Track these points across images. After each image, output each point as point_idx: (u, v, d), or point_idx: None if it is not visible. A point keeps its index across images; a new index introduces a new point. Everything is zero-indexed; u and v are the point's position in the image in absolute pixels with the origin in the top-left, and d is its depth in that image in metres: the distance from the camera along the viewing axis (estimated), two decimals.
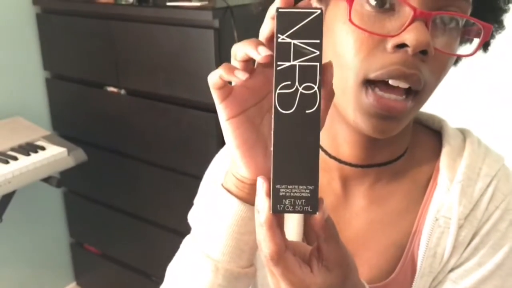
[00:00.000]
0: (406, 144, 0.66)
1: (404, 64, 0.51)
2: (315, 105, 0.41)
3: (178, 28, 1.62)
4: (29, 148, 1.72)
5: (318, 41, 0.41)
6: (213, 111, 1.61)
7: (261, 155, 0.48)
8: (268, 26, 0.44)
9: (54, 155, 1.72)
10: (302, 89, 0.41)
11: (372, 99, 0.53)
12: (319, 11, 0.41)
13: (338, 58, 0.54)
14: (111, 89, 1.90)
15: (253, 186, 0.49)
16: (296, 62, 0.41)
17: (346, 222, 0.66)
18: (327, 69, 0.42)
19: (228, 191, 0.52)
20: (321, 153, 0.66)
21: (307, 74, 0.41)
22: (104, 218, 2.18)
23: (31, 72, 2.09)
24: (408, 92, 0.54)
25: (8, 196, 1.75)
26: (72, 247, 2.43)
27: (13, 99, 2.04)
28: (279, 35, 0.41)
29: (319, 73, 0.41)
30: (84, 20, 1.88)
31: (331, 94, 0.43)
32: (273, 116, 0.41)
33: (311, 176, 0.41)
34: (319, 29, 0.41)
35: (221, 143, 1.65)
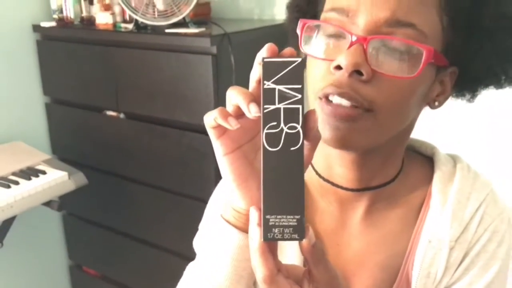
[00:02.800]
0: (397, 169, 0.69)
1: (338, 83, 0.57)
2: (298, 142, 0.46)
3: (176, 54, 1.67)
4: (30, 172, 1.75)
5: (299, 86, 0.46)
6: None
7: (255, 188, 0.52)
8: (256, 71, 0.49)
9: (55, 179, 1.75)
10: (287, 129, 0.46)
11: (325, 106, 0.59)
12: (299, 59, 0.46)
13: (308, 80, 0.63)
14: (110, 113, 1.94)
15: (248, 217, 0.53)
16: (280, 105, 0.46)
17: (345, 244, 0.70)
18: (311, 114, 0.47)
19: (227, 221, 0.55)
20: (317, 178, 0.70)
21: (290, 115, 0.46)
22: (103, 240, 2.20)
23: (31, 97, 2.13)
24: (359, 108, 0.58)
25: (9, 221, 1.77)
26: (71, 270, 2.44)
27: (13, 124, 2.07)
28: (265, 82, 0.46)
29: (301, 115, 0.46)
30: (84, 46, 1.92)
31: (316, 136, 0.48)
32: (261, 153, 0.46)
33: (297, 206, 0.46)
34: (300, 75, 0.46)
35: (217, 163, 1.69)
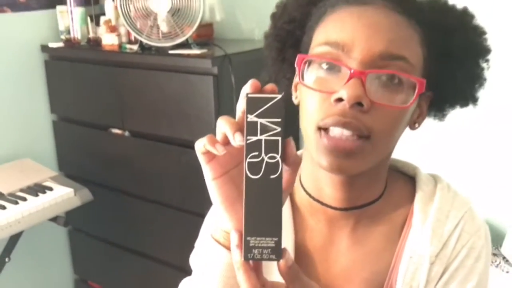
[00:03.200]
0: (381, 188, 0.73)
1: (342, 114, 0.61)
2: (277, 171, 0.50)
3: (179, 74, 1.73)
4: (37, 189, 1.80)
5: (279, 119, 0.51)
6: None
7: (241, 211, 0.55)
8: (241, 103, 0.54)
9: (62, 195, 1.80)
10: (267, 158, 0.51)
11: (325, 140, 0.62)
12: (279, 96, 0.51)
13: (302, 113, 0.67)
14: (115, 131, 1.99)
15: None
16: (262, 137, 0.51)
17: (333, 260, 0.74)
18: (289, 143, 0.51)
19: (217, 241, 0.60)
20: (307, 197, 0.74)
21: (271, 146, 0.51)
22: (107, 254, 2.24)
23: (39, 115, 2.20)
24: (359, 136, 0.62)
25: (17, 236, 1.82)
26: (77, 284, 2.48)
27: (21, 141, 2.14)
28: (248, 115, 0.51)
29: (280, 146, 0.50)
30: (90, 66, 1.99)
31: (295, 162, 0.52)
32: (244, 180, 0.51)
33: (275, 229, 0.50)
34: (280, 110, 0.51)
35: None
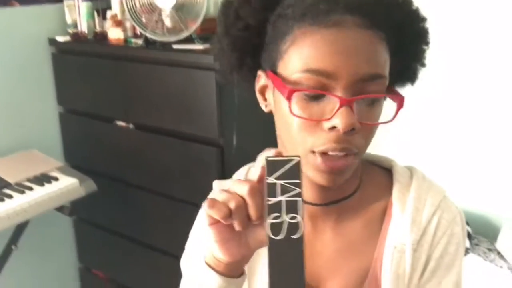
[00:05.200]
0: (357, 183, 0.77)
1: (337, 141, 0.64)
2: (299, 231, 0.53)
3: (183, 69, 1.77)
4: (43, 179, 1.85)
5: (298, 181, 0.54)
6: (214, 145, 1.76)
7: (235, 247, 0.61)
8: (258, 172, 0.58)
9: (67, 185, 1.85)
10: (289, 219, 0.53)
11: (320, 161, 0.65)
12: (298, 159, 0.54)
13: (287, 132, 0.68)
14: (120, 123, 2.03)
15: (227, 265, 0.64)
16: (282, 198, 0.53)
17: (317, 253, 0.78)
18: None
19: (209, 265, 0.65)
20: None
21: (291, 207, 0.53)
22: (111, 244, 2.29)
23: (46, 107, 2.25)
24: (350, 154, 0.66)
25: (23, 225, 1.87)
26: (81, 272, 2.53)
27: (29, 133, 2.18)
28: (268, 177, 0.54)
29: (300, 206, 0.53)
30: (96, 60, 2.03)
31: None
32: (267, 242, 0.53)
33: (299, 286, 0.53)
34: (298, 172, 0.54)
35: (222, 174, 1.77)
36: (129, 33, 2.03)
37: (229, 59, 0.72)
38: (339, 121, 0.62)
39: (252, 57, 0.72)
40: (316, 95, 0.64)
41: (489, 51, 1.72)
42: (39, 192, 1.78)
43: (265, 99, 0.74)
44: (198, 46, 1.77)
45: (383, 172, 0.81)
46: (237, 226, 0.58)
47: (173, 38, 1.83)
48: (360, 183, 0.77)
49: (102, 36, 2.06)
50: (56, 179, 1.87)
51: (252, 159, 0.86)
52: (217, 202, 0.57)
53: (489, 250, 1.72)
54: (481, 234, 1.82)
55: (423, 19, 0.70)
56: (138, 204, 2.10)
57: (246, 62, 0.72)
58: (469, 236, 1.75)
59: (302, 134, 0.65)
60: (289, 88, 0.63)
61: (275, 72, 0.68)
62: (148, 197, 2.04)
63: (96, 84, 2.06)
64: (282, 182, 0.54)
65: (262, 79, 0.73)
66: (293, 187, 0.53)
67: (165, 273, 2.09)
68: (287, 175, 0.53)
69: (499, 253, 1.69)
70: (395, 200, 0.76)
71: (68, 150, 2.31)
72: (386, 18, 0.65)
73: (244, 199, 0.57)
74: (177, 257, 2.15)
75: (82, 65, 2.10)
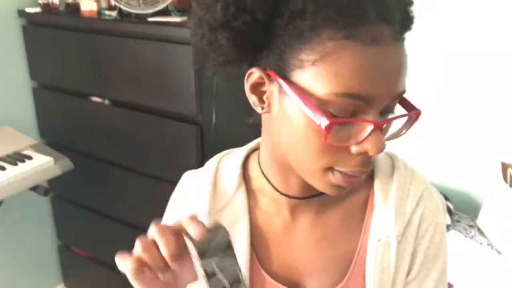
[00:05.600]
0: None
1: (366, 165, 0.60)
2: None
3: (159, 43, 1.69)
4: (16, 158, 1.79)
5: (228, 248, 0.62)
6: (192, 122, 1.71)
7: None
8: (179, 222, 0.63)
9: (41, 164, 1.79)
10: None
11: (338, 178, 0.61)
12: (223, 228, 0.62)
13: (301, 148, 0.61)
14: (95, 99, 1.97)
15: None
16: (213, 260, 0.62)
17: (296, 243, 0.75)
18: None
19: None
20: (272, 190, 0.74)
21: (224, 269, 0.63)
22: (90, 222, 2.26)
23: (18, 82, 2.16)
24: None
25: None
26: (60, 249, 2.50)
27: (0, 108, 2.10)
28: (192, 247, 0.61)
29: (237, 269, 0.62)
30: (69, 33, 1.94)
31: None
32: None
33: None
34: (227, 240, 0.62)
35: (200, 152, 1.73)
36: (103, 5, 1.94)
37: (225, 54, 0.62)
38: (371, 146, 0.57)
39: (250, 53, 0.62)
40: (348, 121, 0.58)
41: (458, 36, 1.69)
42: (12, 172, 1.71)
43: (261, 101, 0.64)
44: (175, 19, 1.69)
45: None
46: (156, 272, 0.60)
47: (148, 10, 1.75)
48: None
49: (74, 8, 1.97)
50: (29, 157, 1.80)
51: (232, 137, 0.82)
52: (127, 256, 0.60)
53: (470, 226, 1.72)
54: (462, 210, 1.82)
55: (410, 2, 0.64)
56: (115, 181, 2.05)
57: (244, 58, 0.63)
58: (450, 212, 1.75)
59: (322, 155, 0.60)
60: (330, 119, 0.55)
61: (287, 79, 0.59)
62: (125, 175, 1.99)
63: (70, 58, 1.98)
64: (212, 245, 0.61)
65: (255, 76, 0.63)
66: (222, 252, 0.62)
67: None
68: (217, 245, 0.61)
69: (479, 229, 1.70)
70: (377, 190, 0.73)
71: (43, 127, 2.24)
72: (403, 20, 0.60)
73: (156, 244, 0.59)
74: None
75: (54, 38, 2.01)
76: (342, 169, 0.60)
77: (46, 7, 2.00)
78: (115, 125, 1.94)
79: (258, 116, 0.69)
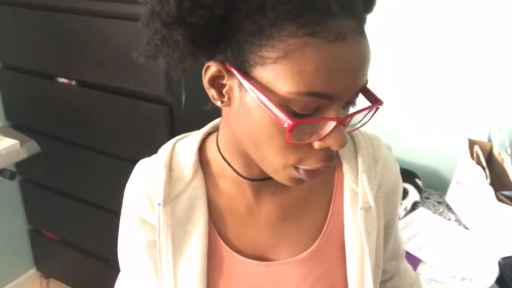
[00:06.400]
0: None
1: (329, 159, 0.60)
2: None
3: (126, 22, 1.66)
4: None
5: None
6: (161, 103, 1.68)
7: None
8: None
9: (7, 147, 1.74)
10: None
11: (302, 174, 0.61)
12: None
13: (265, 144, 0.59)
14: (62, 80, 1.92)
15: None
16: None
17: (260, 222, 0.75)
18: None
19: None
20: (233, 173, 0.72)
21: None
22: (61, 205, 2.23)
23: None
24: None
25: None
26: (31, 234, 2.47)
27: None
28: None
29: None
30: (32, 11, 1.88)
31: None
32: None
33: None
34: None
35: (171, 133, 1.71)
36: None
37: (180, 49, 0.59)
38: (333, 142, 0.57)
39: (208, 48, 0.60)
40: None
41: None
42: None
43: (220, 95, 0.63)
44: None
45: None
46: None
47: None
48: None
49: None
50: None
51: (202, 117, 0.81)
52: None
53: (439, 203, 1.75)
54: (431, 187, 1.85)
55: None
56: (85, 164, 2.02)
57: (203, 53, 0.61)
58: (420, 189, 1.77)
59: (286, 152, 0.59)
60: (292, 119, 0.54)
61: (247, 75, 0.57)
62: (94, 157, 1.97)
63: (36, 38, 1.92)
64: None
65: (212, 69, 0.61)
66: None
67: (114, 231, 2.05)
68: None
69: (448, 205, 1.73)
70: (344, 160, 0.75)
71: (8, 109, 2.18)
72: (364, 3, 0.59)
73: None
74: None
75: (16, 16, 1.94)
76: (310, 167, 0.60)
77: None
78: (83, 106, 1.90)
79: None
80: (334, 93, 0.54)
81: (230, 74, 0.59)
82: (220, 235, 0.74)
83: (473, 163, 1.56)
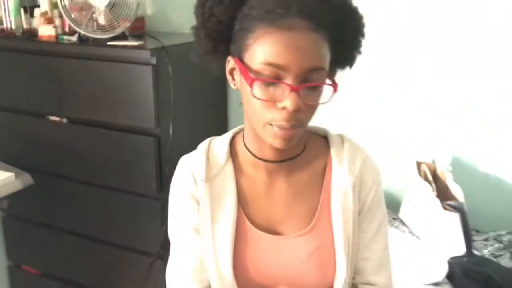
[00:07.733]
0: (303, 146, 0.99)
1: (288, 118, 0.83)
2: None
3: (118, 64, 1.86)
4: None
5: None
6: (150, 134, 1.88)
7: None
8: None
9: (3, 179, 1.87)
10: None
11: (277, 130, 0.85)
12: None
13: (251, 108, 0.86)
14: (53, 118, 2.07)
15: None
16: None
17: (274, 200, 0.99)
18: None
19: None
20: (251, 157, 0.97)
21: None
22: (43, 239, 2.31)
23: None
24: (297, 125, 0.86)
25: None
26: (10, 270, 2.51)
27: None
28: None
29: None
30: (27, 56, 2.05)
31: None
32: None
33: None
34: None
35: (159, 163, 1.89)
36: (59, 30, 2.07)
37: (205, 46, 0.90)
38: (288, 103, 0.81)
39: (223, 45, 0.89)
40: (272, 83, 0.83)
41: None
42: None
43: (233, 79, 0.91)
44: (133, 43, 1.88)
45: (320, 138, 1.04)
46: None
47: (107, 35, 1.92)
48: (305, 146, 0.99)
49: (31, 33, 2.08)
50: None
51: (188, 148, 1.03)
52: None
53: (394, 219, 2.01)
54: (386, 207, 2.09)
55: (361, 17, 0.91)
56: (75, 196, 2.15)
57: (219, 49, 0.90)
58: None
59: (261, 110, 0.85)
60: (251, 77, 0.82)
61: (241, 60, 0.85)
62: (85, 189, 2.10)
63: (28, 80, 2.08)
64: None
65: (231, 63, 0.89)
66: None
67: (103, 262, 2.16)
68: None
69: (401, 220, 1.99)
70: (334, 156, 1.00)
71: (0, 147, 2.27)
72: (329, 21, 0.84)
73: None
74: (116, 245, 2.26)
75: (11, 61, 2.10)
76: (276, 123, 0.83)
77: (1, 32, 2.09)
78: (73, 141, 2.05)
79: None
80: (284, 64, 0.79)
81: (235, 63, 0.87)
82: (244, 211, 0.98)
83: (421, 179, 1.84)
